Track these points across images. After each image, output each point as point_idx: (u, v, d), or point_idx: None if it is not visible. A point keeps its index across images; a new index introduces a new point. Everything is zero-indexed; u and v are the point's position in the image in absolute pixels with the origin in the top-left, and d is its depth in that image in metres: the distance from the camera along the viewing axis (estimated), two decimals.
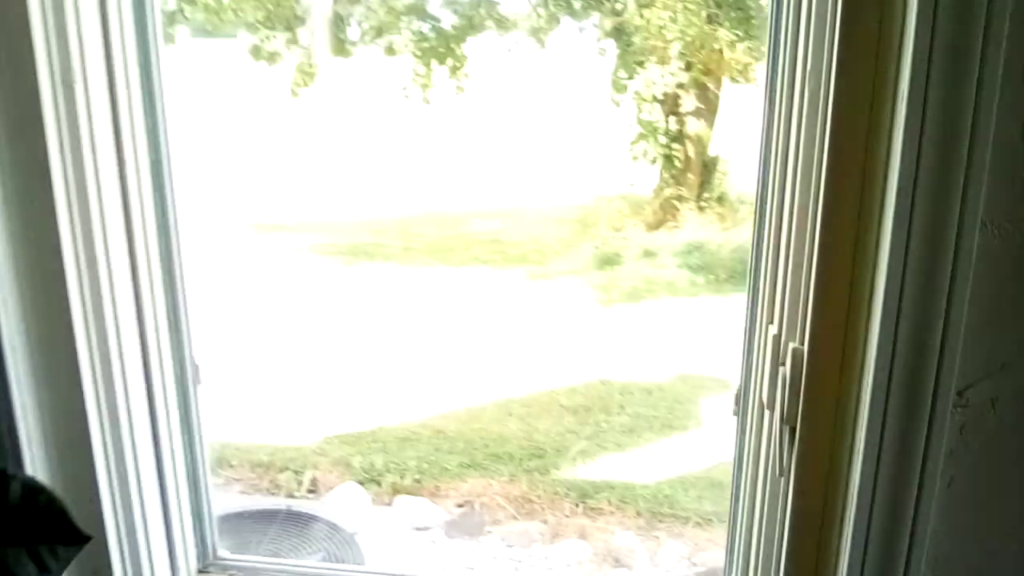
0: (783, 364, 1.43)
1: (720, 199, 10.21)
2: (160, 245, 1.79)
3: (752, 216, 1.75)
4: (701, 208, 10.01)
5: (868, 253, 1.26)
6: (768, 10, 1.65)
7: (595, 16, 11.19)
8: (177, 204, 1.82)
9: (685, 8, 8.61)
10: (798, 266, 1.38)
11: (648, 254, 9.36)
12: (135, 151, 1.66)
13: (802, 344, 1.38)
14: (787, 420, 1.41)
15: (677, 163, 10.01)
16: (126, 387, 1.67)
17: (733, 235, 9.59)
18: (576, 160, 17.94)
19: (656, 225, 9.88)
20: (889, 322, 1.23)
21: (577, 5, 11.15)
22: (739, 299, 7.27)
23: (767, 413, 1.56)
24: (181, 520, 1.92)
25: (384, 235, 11.03)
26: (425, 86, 11.76)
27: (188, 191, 1.92)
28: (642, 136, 10.27)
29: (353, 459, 4.94)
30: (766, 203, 1.63)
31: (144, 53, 1.65)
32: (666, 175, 10.17)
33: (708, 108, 10.24)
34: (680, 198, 9.92)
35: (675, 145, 10.03)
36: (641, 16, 9.00)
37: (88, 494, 1.60)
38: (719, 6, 9.02)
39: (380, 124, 22.24)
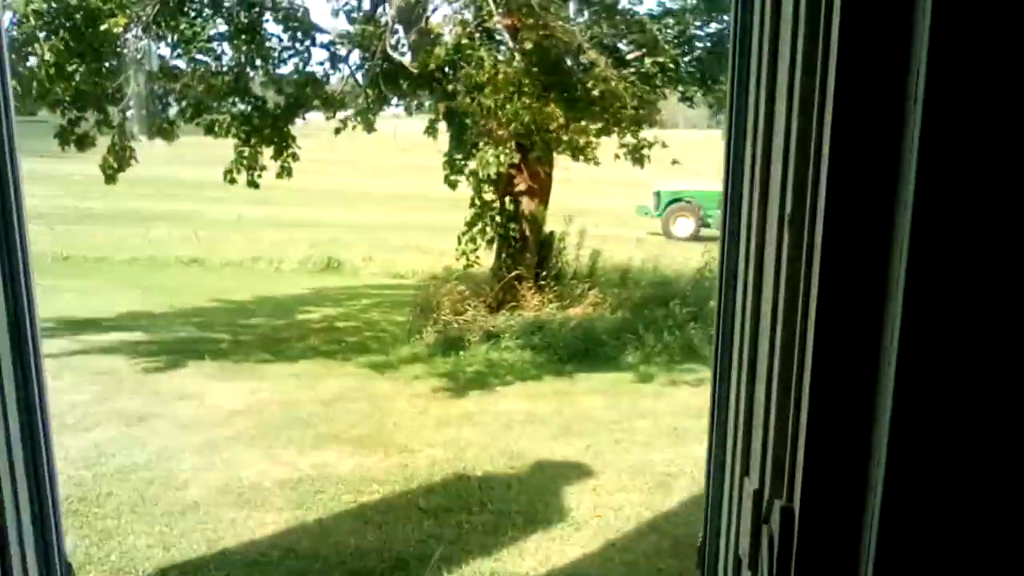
0: (767, 523, 1.27)
1: (557, 277, 10.36)
2: (20, 409, 1.43)
3: (714, 332, 1.59)
4: (540, 287, 10.09)
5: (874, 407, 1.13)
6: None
7: (426, 97, 11.24)
8: (39, 351, 1.47)
9: (518, 91, 8.76)
10: (782, 411, 1.24)
11: (490, 336, 9.27)
12: None
13: (791, 502, 1.23)
14: None
15: (514, 242, 10.08)
16: None
17: (571, 313, 9.71)
18: (412, 242, 17.86)
19: (497, 306, 9.83)
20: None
21: (405, 85, 11.13)
22: (584, 379, 7.32)
23: (747, 573, 1.40)
24: None
25: (211, 328, 10.30)
26: (251, 168, 11.26)
27: None
28: (478, 216, 10.29)
29: None
30: (732, 319, 1.49)
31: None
32: (504, 255, 10.21)
33: (541, 188, 10.45)
34: (519, 278, 9.95)
35: (512, 224, 10.10)
36: (472, 99, 9.08)
37: None
38: (549, 89, 9.28)
39: (204, 208, 21.30)
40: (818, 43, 1.17)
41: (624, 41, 9.81)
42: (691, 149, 21.04)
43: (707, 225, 20.04)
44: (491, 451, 6.37)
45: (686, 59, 9.97)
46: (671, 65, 9.66)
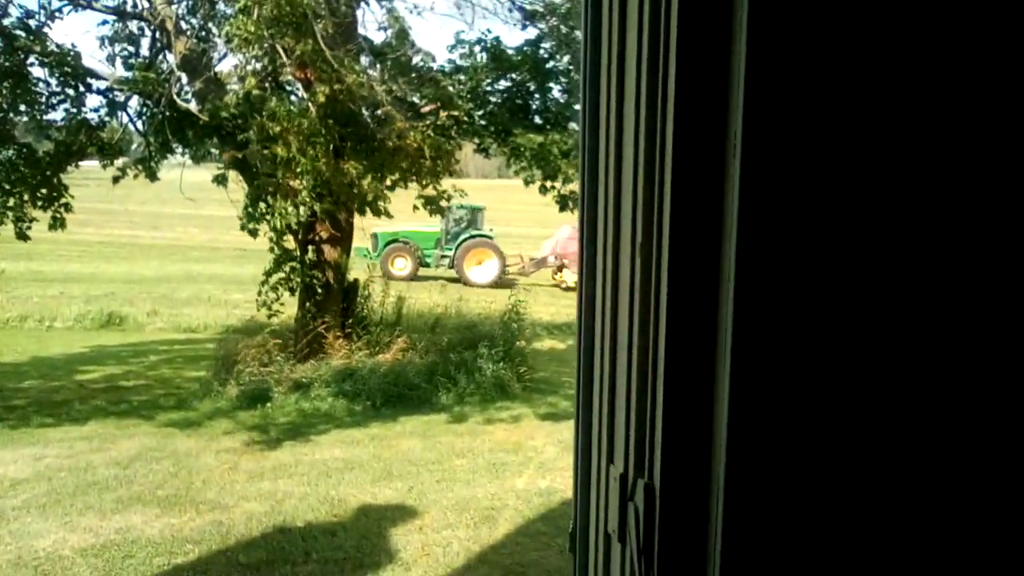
0: (632, 499, 1.50)
1: (364, 324, 10.38)
2: None
3: (576, 347, 1.82)
4: (347, 335, 10.07)
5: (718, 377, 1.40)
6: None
7: (214, 146, 10.95)
8: None
9: (311, 142, 8.77)
10: (641, 405, 1.49)
11: (299, 386, 9.11)
12: None
13: (652, 480, 1.47)
14: (644, 551, 1.48)
15: (319, 290, 10.01)
16: None
17: (381, 359, 9.77)
18: (201, 295, 17.05)
19: (304, 356, 9.68)
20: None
21: (191, 134, 10.80)
22: (400, 423, 7.45)
23: (617, 546, 1.62)
24: None
25: None
26: (18, 220, 10.39)
27: None
28: (278, 265, 10.13)
29: None
30: (592, 335, 1.72)
31: None
32: (308, 304, 10.10)
33: (343, 236, 10.48)
34: (326, 326, 9.87)
35: (315, 272, 10.03)
36: (266, 150, 9.00)
37: None
38: (344, 140, 9.38)
39: None
40: (657, 94, 1.45)
41: (418, 95, 10.15)
42: (486, 197, 21.88)
43: (425, 264, 20.57)
44: (311, 500, 6.27)
45: (479, 113, 10.46)
46: (465, 118, 10.11)
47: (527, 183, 10.32)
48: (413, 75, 9.80)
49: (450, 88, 10.01)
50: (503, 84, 10.65)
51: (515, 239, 23.67)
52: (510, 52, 10.43)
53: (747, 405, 1.42)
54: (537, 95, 10.61)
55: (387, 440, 7.81)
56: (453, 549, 5.48)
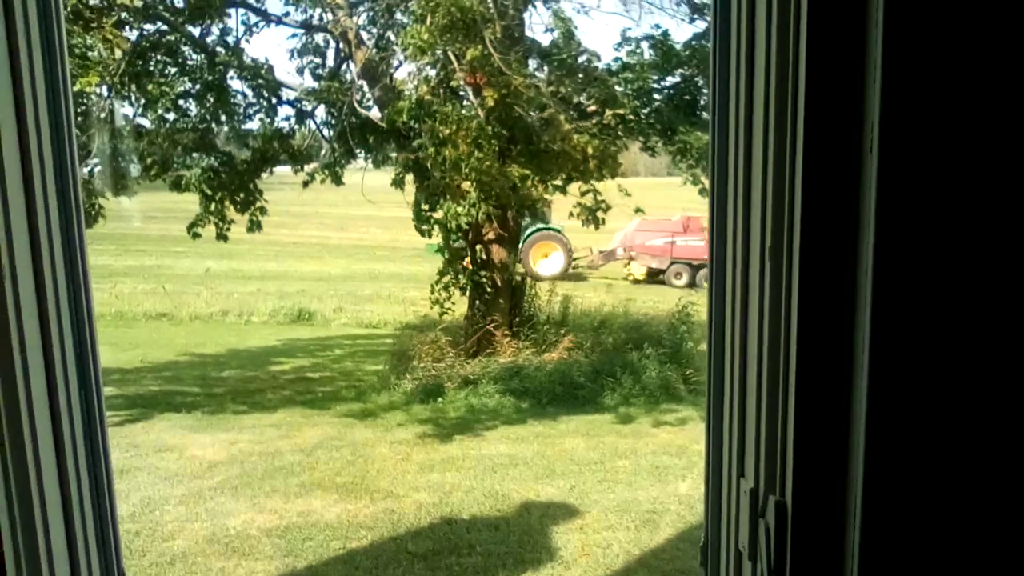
0: (763, 516, 1.44)
1: (531, 323, 10.54)
2: (85, 443, 1.56)
3: (707, 358, 1.77)
4: (515, 333, 10.26)
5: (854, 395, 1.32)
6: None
7: (392, 150, 11.48)
8: (101, 394, 1.61)
9: (478, 145, 9.01)
10: (772, 418, 1.42)
11: (468, 383, 9.39)
12: (60, 336, 1.47)
13: (783, 497, 1.41)
14: (775, 570, 1.42)
15: (487, 289, 10.27)
16: None
17: (547, 357, 9.88)
18: (382, 292, 17.98)
19: (473, 353, 9.97)
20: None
21: (372, 139, 11.38)
22: (564, 422, 7.44)
23: (748, 564, 1.56)
24: None
25: (183, 382, 10.29)
26: (219, 222, 11.38)
27: None
28: (449, 265, 10.50)
29: None
30: (723, 341, 1.67)
31: (68, 239, 1.48)
32: (477, 303, 10.39)
33: (510, 236, 10.69)
34: (494, 324, 10.11)
35: (483, 273, 10.31)
36: (438, 153, 9.33)
37: None
38: (510, 142, 9.57)
39: (170, 263, 21.22)
40: (788, 92, 1.38)
41: (584, 96, 10.17)
42: (654, 195, 21.61)
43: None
44: (476, 494, 6.45)
45: (645, 111, 10.34)
46: (631, 117, 10.02)
47: (685, 183, 10.10)
48: (579, 75, 9.83)
49: (616, 87, 9.96)
50: (670, 80, 10.46)
51: None
52: (678, 47, 10.22)
53: (887, 417, 1.33)
54: (705, 91, 10.35)
55: (551, 438, 7.90)
56: (613, 551, 5.46)
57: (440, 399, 9.05)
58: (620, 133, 10.06)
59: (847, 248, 1.35)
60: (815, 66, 1.33)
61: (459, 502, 6.29)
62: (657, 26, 10.44)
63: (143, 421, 8.29)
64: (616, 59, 10.66)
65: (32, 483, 1.36)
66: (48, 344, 1.45)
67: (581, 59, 9.99)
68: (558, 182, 10.04)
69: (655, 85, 10.41)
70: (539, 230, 20.49)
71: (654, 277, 20.05)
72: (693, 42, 10.17)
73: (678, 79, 10.47)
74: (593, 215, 10.07)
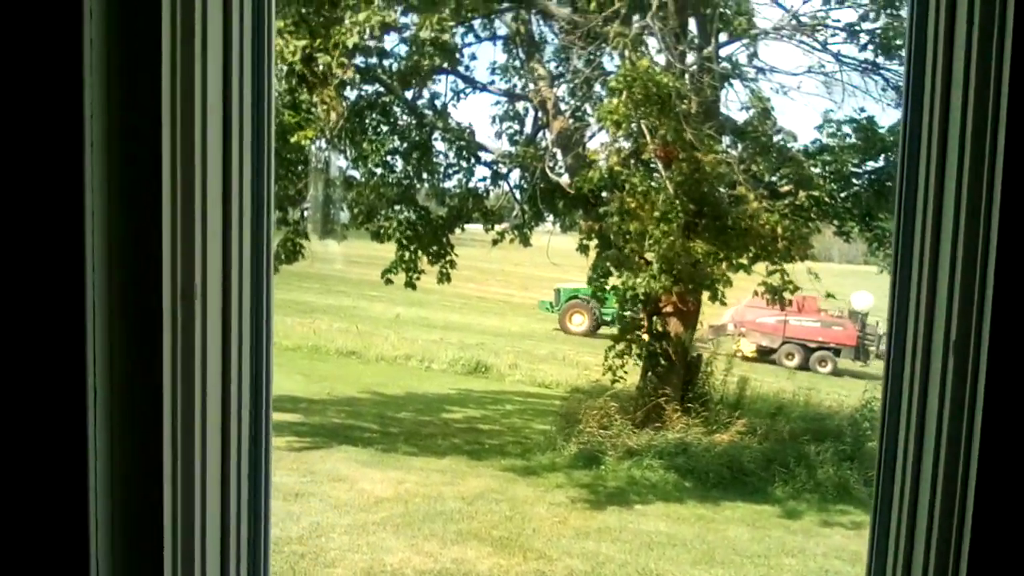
0: None
1: (704, 401, 10.27)
2: (250, 464, 1.72)
3: (877, 453, 1.68)
4: (686, 409, 10.04)
5: None
6: None
7: (580, 216, 11.70)
8: (270, 421, 1.77)
9: (665, 218, 9.01)
10: (944, 532, 1.34)
11: (632, 453, 9.26)
12: (239, 360, 1.63)
13: None
14: None
15: (662, 361, 10.14)
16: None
17: (717, 439, 9.57)
18: (557, 353, 18.17)
19: (641, 424, 9.83)
20: None
21: (560, 204, 11.68)
22: (728, 508, 7.17)
23: None
24: None
25: (363, 417, 10.84)
26: (409, 271, 12.01)
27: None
28: (624, 333, 10.48)
29: None
30: (896, 441, 1.59)
31: (257, 270, 1.66)
32: (650, 373, 10.27)
33: (688, 310, 10.53)
34: (665, 398, 9.95)
35: (658, 344, 10.20)
36: (623, 223, 9.42)
37: None
38: (697, 217, 9.50)
39: (365, 305, 22.57)
40: (981, 187, 1.33)
41: (777, 175, 9.97)
42: (846, 282, 20.56)
43: (604, 322, 19.81)
44: (630, 569, 6.32)
45: (842, 194, 9.97)
46: (826, 199, 9.69)
47: (881, 272, 9.55)
48: (773, 154, 9.65)
49: (812, 168, 9.68)
50: (871, 165, 10.03)
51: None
52: (882, 131, 9.81)
53: None
54: None
55: (713, 523, 7.60)
56: None
57: (603, 467, 8.96)
58: (813, 215, 9.74)
59: None
60: (1013, 160, 1.29)
61: (611, 574, 6.18)
62: (862, 109, 10.03)
63: (322, 450, 8.80)
64: (815, 140, 10.40)
65: (195, 492, 1.49)
66: (227, 365, 1.60)
67: (776, 138, 9.82)
68: (743, 260, 9.82)
69: (855, 169, 10.02)
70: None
71: (764, 356, 19.36)
72: (898, 128, 9.74)
73: (880, 164, 10.03)
74: (779, 295, 9.76)
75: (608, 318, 21.29)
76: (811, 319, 18.96)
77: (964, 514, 1.35)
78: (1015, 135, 1.29)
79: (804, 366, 18.80)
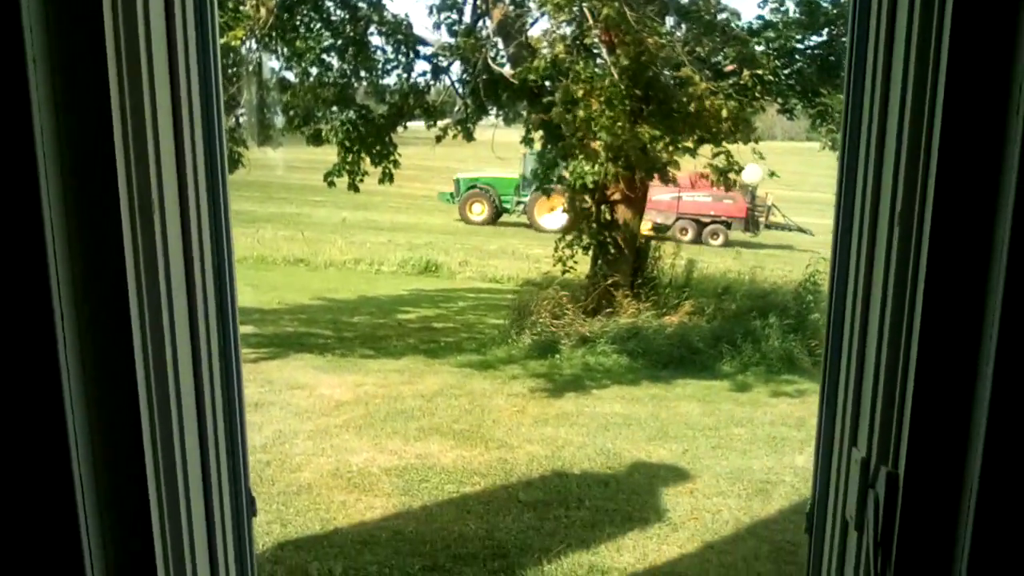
0: (872, 487, 1.42)
1: (653, 285, 10.45)
2: (221, 373, 1.71)
3: (824, 318, 1.74)
4: (636, 295, 10.21)
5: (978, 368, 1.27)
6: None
7: (524, 108, 11.51)
8: (237, 329, 1.76)
9: (611, 104, 8.89)
10: (890, 387, 1.39)
11: (585, 341, 9.44)
12: (202, 270, 1.60)
13: (896, 468, 1.38)
14: (882, 543, 1.40)
15: (611, 250, 10.23)
16: (190, 518, 1.57)
17: (667, 321, 9.79)
18: (507, 248, 18.24)
19: (593, 312, 10.00)
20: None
21: (504, 96, 11.44)
22: (680, 385, 7.33)
23: (854, 534, 1.55)
24: None
25: (317, 324, 10.82)
26: (352, 173, 11.76)
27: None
28: (574, 223, 10.51)
29: (310, 566, 4.69)
30: (843, 307, 1.64)
31: (212, 178, 1.61)
32: (600, 262, 10.37)
33: (636, 197, 10.57)
34: (615, 285, 10.09)
35: (607, 232, 10.26)
36: (568, 111, 9.29)
37: None
38: (644, 102, 9.40)
39: (309, 211, 22.18)
40: (928, 58, 1.32)
41: (721, 56, 9.86)
42: (788, 160, 20.80)
43: (504, 210, 20.93)
44: (588, 450, 6.53)
45: (786, 72, 9.93)
46: (770, 77, 9.65)
47: (824, 148, 9.65)
48: (717, 34, 9.52)
49: (756, 46, 9.59)
50: (815, 40, 9.97)
51: (800, 204, 22.16)
52: (825, 4, 9.72)
53: (1014, 391, 1.28)
54: None
55: (666, 401, 7.87)
56: (723, 517, 5.44)
57: (557, 355, 9.15)
58: (758, 94, 9.72)
59: (983, 216, 1.29)
60: (961, 24, 1.27)
61: (571, 457, 6.40)
62: None
63: (278, 359, 8.80)
64: (759, 17, 10.26)
65: (172, 404, 1.49)
66: (191, 277, 1.57)
67: (720, 17, 9.67)
68: (689, 144, 9.82)
69: (798, 44, 9.96)
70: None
71: (661, 233, 20.06)
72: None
73: (824, 38, 9.98)
74: (725, 177, 9.83)
75: (508, 206, 21.78)
76: (703, 194, 19.61)
77: (907, 373, 1.39)
78: (962, 6, 1.27)
79: (697, 239, 19.70)
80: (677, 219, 20.31)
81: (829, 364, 1.73)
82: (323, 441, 6.48)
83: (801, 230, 18.09)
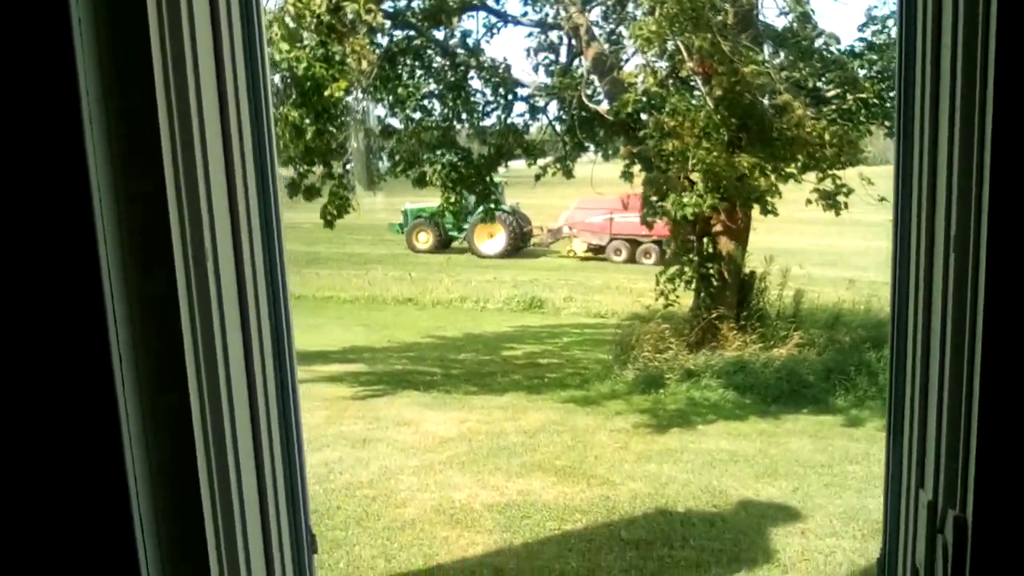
0: (941, 532, 1.38)
1: (760, 318, 10.19)
2: (278, 405, 1.79)
3: (889, 361, 1.70)
4: (741, 327, 9.98)
5: None
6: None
7: (621, 143, 11.53)
8: (295, 369, 1.85)
9: (706, 136, 8.83)
10: (954, 424, 1.35)
11: (690, 375, 9.29)
12: (259, 321, 1.70)
13: (964, 512, 1.33)
14: None
15: (714, 283, 10.07)
16: (248, 556, 1.64)
17: (775, 354, 9.52)
18: (611, 283, 18.16)
19: (697, 345, 9.83)
20: None
21: (601, 133, 11.54)
22: (790, 421, 7.11)
23: None
24: None
25: (424, 362, 11.06)
26: (456, 213, 12.08)
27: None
28: (676, 256, 10.41)
29: None
30: (905, 342, 1.60)
31: (268, 230, 1.71)
32: (703, 295, 10.22)
33: (739, 229, 10.38)
34: (720, 318, 9.90)
35: (710, 265, 10.11)
36: (661, 145, 9.28)
37: None
38: (741, 131, 9.28)
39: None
40: (975, 84, 1.30)
41: (822, 81, 9.64)
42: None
43: (452, 238, 22.01)
44: (693, 488, 6.40)
45: (891, 94, 9.61)
46: (875, 100, 9.36)
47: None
48: (815, 60, 9.33)
49: (858, 70, 9.34)
50: None
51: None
52: None
53: None
54: None
55: (775, 437, 7.62)
56: (836, 559, 5.21)
57: (661, 390, 9.03)
58: (863, 118, 9.43)
59: None
60: (1006, 50, 1.25)
61: (675, 494, 6.28)
62: None
63: (386, 396, 9.04)
64: (861, 39, 9.99)
65: (227, 439, 1.54)
66: (247, 322, 1.64)
67: (818, 42, 9.47)
68: (792, 169, 9.59)
69: None
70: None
71: (597, 254, 20.68)
72: None
73: None
74: (833, 200, 9.53)
75: (453, 234, 22.27)
76: (634, 215, 19.79)
77: (971, 410, 1.35)
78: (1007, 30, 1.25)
79: (632, 259, 20.17)
80: (611, 240, 20.66)
81: (893, 402, 1.68)
82: (427, 477, 6.61)
83: None
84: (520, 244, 21.89)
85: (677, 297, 10.14)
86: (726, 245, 10.15)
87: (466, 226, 21.70)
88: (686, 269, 10.03)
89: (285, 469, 1.82)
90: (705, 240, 10.08)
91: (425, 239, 22.42)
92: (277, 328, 1.82)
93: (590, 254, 20.94)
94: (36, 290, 1.24)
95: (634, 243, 20.29)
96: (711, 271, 10.06)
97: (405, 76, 11.58)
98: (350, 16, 10.21)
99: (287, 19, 10.05)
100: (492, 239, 21.82)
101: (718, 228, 10.11)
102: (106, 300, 1.23)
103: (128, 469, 1.30)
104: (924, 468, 1.48)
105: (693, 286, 10.24)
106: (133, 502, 1.36)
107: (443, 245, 22.25)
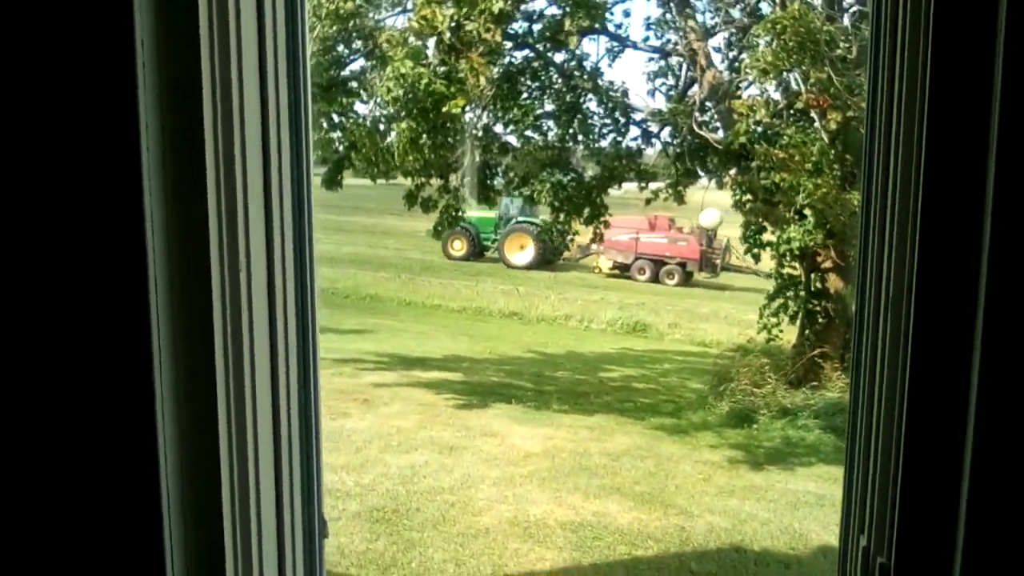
0: None
1: None
2: (299, 400, 1.90)
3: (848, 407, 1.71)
4: (846, 368, 9.67)
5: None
6: None
7: (731, 174, 11.39)
8: (318, 372, 1.96)
9: (818, 170, 8.67)
10: (885, 472, 1.38)
11: (786, 413, 9.07)
12: (285, 323, 1.81)
13: (889, 559, 1.37)
14: None
15: (820, 319, 9.81)
16: (260, 539, 1.75)
17: None
18: (720, 312, 17.88)
19: (798, 383, 9.60)
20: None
21: (713, 161, 11.44)
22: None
23: None
24: None
25: (520, 376, 11.23)
26: (562, 233, 12.23)
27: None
28: (781, 290, 10.21)
29: None
30: (860, 381, 1.61)
31: (300, 246, 1.83)
32: (807, 331, 9.97)
33: (848, 265, 10.08)
34: (824, 356, 9.64)
35: (815, 301, 9.87)
36: (770, 178, 9.14)
37: None
38: (856, 166, 9.03)
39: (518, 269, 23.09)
40: (916, 96, 1.34)
41: None
42: None
43: (485, 248, 22.43)
44: (772, 527, 6.29)
45: None
46: None
47: None
48: None
49: None
50: None
51: None
52: None
53: (993, 488, 1.25)
54: None
55: None
56: None
57: (754, 425, 8.86)
58: None
59: (962, 308, 1.28)
60: (940, 68, 1.27)
61: (753, 532, 6.19)
62: None
63: (477, 407, 9.25)
64: None
65: (248, 436, 1.61)
66: (274, 326, 1.76)
67: None
68: None
69: None
70: (518, 223, 21.47)
71: (623, 272, 20.95)
72: None
73: None
74: None
75: (487, 243, 22.15)
76: (659, 236, 20.48)
77: (898, 461, 1.39)
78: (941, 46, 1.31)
79: (655, 279, 20.47)
80: (636, 259, 20.84)
81: (849, 445, 1.69)
82: (506, 489, 6.75)
83: (756, 273, 16.66)
84: (550, 257, 22.09)
85: (781, 332, 9.93)
86: (835, 283, 9.88)
87: (496, 237, 22.48)
88: (790, 303, 9.82)
89: (302, 458, 1.95)
90: (812, 276, 9.84)
91: (459, 247, 22.88)
92: (303, 327, 1.93)
93: (616, 271, 21.33)
94: (89, 303, 1.40)
95: (658, 263, 20.70)
96: (817, 307, 9.81)
97: (524, 94, 11.84)
98: (471, 33, 10.57)
99: (411, 37, 10.52)
100: (522, 251, 22.17)
101: (827, 264, 9.85)
102: (151, 308, 1.39)
103: (160, 461, 1.44)
104: (864, 513, 1.53)
105: (797, 322, 10.01)
106: (163, 483, 1.45)
107: (477, 254, 22.81)
